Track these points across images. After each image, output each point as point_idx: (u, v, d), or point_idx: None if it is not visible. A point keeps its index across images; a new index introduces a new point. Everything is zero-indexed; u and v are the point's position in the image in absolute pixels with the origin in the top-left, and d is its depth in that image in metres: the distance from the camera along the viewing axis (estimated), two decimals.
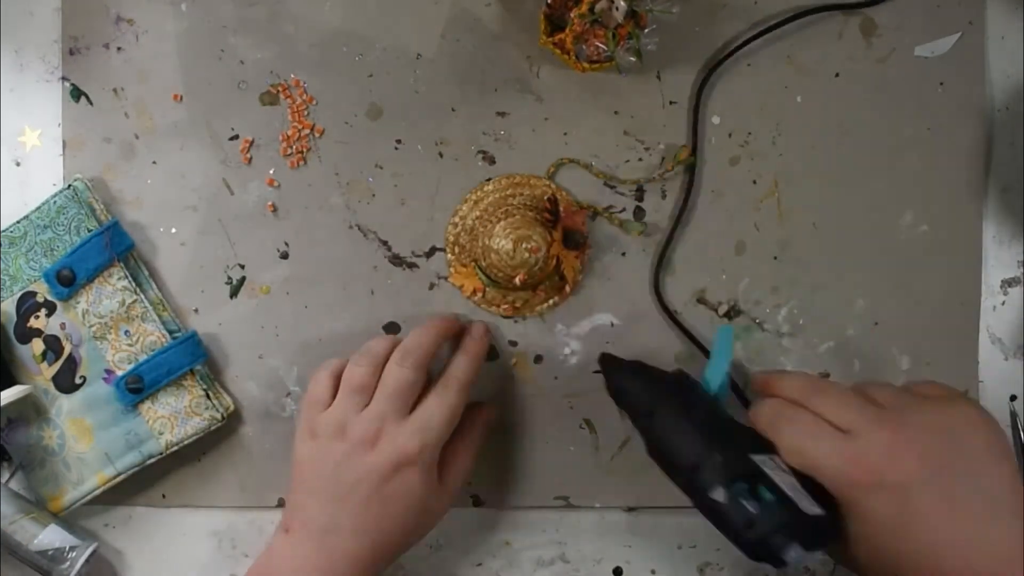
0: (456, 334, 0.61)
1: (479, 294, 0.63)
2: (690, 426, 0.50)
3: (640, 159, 0.64)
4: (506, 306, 0.63)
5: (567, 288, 0.63)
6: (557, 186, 0.64)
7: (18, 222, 0.62)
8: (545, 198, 0.62)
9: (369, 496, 0.54)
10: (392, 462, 0.54)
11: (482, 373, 0.64)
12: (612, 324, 0.65)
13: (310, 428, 0.56)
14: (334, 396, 0.57)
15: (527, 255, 0.59)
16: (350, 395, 0.56)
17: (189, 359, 0.62)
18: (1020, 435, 0.66)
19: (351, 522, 0.54)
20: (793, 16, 0.64)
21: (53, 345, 0.62)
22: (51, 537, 0.61)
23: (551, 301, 0.64)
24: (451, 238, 0.64)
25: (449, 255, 0.64)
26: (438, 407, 0.56)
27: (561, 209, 0.61)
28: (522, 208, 0.62)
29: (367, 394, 0.56)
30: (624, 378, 0.55)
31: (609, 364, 0.57)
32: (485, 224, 0.62)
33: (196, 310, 0.64)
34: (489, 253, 0.60)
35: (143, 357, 0.61)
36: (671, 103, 0.64)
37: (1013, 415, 0.66)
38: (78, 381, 0.62)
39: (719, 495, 0.47)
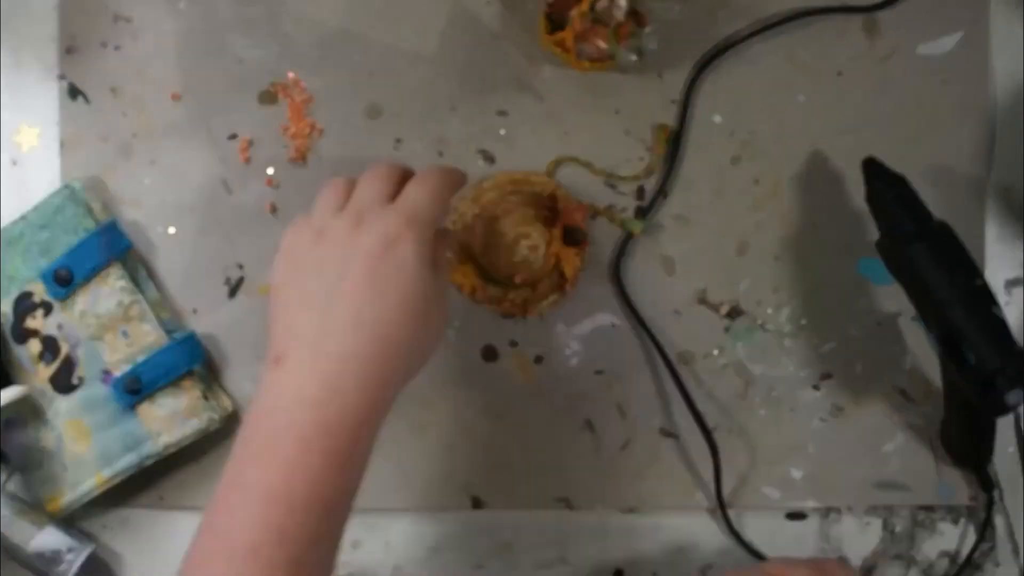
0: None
1: (478, 292, 0.62)
2: (947, 269, 0.55)
3: (641, 159, 0.64)
4: (506, 304, 0.63)
5: (567, 286, 0.62)
6: (557, 183, 0.63)
7: (15, 222, 0.62)
8: (545, 194, 0.61)
9: (359, 281, 0.47)
10: (381, 237, 0.47)
11: (482, 373, 0.64)
12: (613, 324, 0.64)
13: (285, 251, 0.51)
14: None
15: (526, 252, 0.59)
16: (326, 202, 0.51)
17: (187, 360, 0.61)
18: (1021, 435, 0.65)
19: (346, 316, 0.46)
20: (793, 16, 0.63)
21: (50, 346, 0.62)
22: (48, 539, 0.60)
23: (551, 299, 0.63)
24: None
25: (448, 253, 0.63)
26: (421, 189, 0.50)
27: (561, 206, 0.60)
28: (521, 206, 0.61)
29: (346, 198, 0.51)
30: (891, 195, 0.57)
31: (875, 171, 0.58)
32: (484, 222, 0.61)
33: (195, 310, 0.64)
34: (488, 251, 0.60)
35: (141, 358, 0.61)
36: (672, 102, 0.64)
37: (1017, 416, 0.65)
38: (75, 382, 0.62)
39: (999, 312, 0.54)
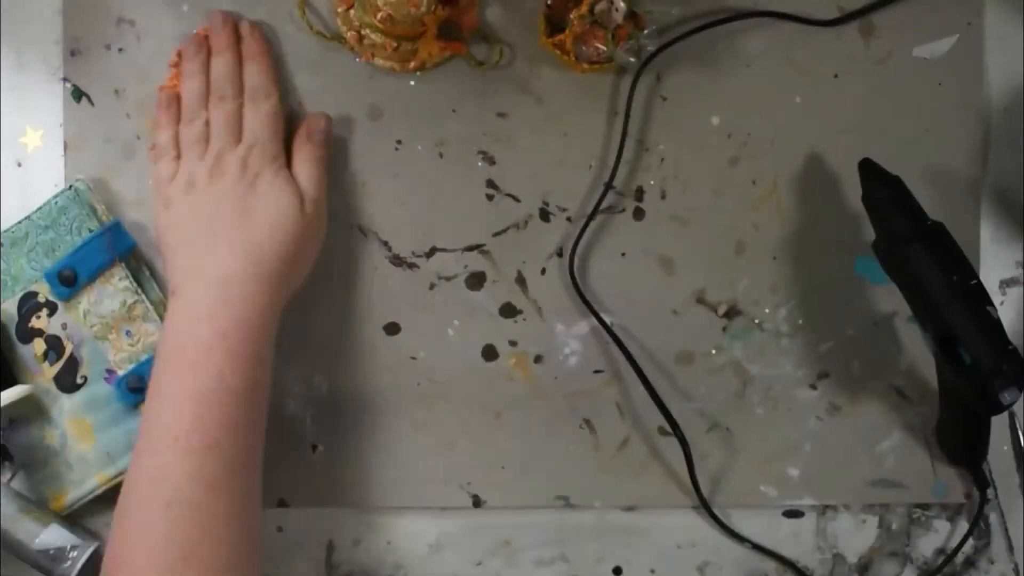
0: (235, 30, 0.62)
1: (356, 40, 0.62)
2: (943, 270, 0.56)
3: (640, 160, 0.65)
4: (387, 49, 0.62)
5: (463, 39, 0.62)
6: None
7: (19, 222, 0.63)
8: None
9: (229, 217, 0.57)
10: (240, 178, 0.57)
11: (482, 373, 0.64)
12: (612, 324, 0.65)
13: (164, 200, 0.59)
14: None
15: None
16: (190, 149, 0.59)
17: None
18: (1019, 435, 0.66)
19: (222, 246, 0.56)
20: (790, 16, 0.64)
21: (54, 345, 0.62)
22: (53, 536, 0.61)
23: (440, 51, 0.62)
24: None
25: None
26: (253, 119, 0.59)
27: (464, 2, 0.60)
28: None
29: (205, 140, 0.59)
30: (887, 195, 0.58)
31: (871, 172, 0.59)
32: None
33: None
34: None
35: (144, 357, 0.62)
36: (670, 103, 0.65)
37: (1012, 415, 0.66)
38: (79, 381, 0.62)
39: (994, 312, 0.55)
